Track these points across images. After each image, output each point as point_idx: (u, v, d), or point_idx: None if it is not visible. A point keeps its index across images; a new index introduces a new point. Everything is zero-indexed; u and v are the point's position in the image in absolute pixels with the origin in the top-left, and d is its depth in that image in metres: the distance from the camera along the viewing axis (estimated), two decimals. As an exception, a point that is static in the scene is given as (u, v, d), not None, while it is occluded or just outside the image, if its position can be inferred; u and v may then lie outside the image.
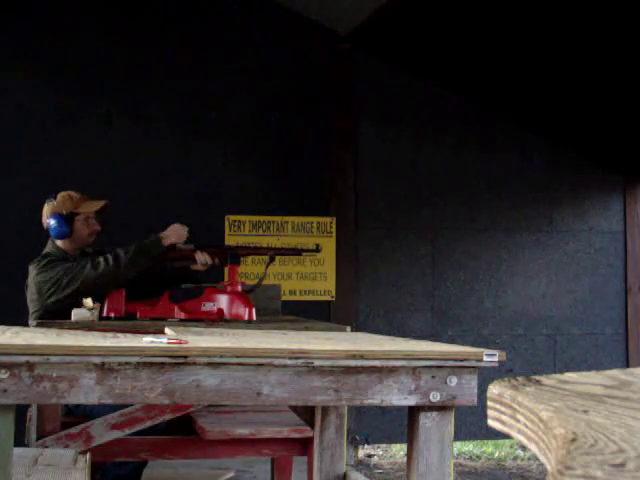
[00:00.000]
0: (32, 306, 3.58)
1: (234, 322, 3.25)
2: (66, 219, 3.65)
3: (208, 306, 3.36)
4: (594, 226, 5.96)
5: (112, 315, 3.39)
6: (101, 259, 3.44)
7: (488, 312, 5.72)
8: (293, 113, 5.47)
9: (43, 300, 3.51)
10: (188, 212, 5.21)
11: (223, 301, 3.35)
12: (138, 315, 3.42)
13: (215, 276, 4.05)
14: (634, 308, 5.91)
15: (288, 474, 3.53)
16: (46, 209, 3.71)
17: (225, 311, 3.34)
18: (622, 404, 0.64)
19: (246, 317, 3.29)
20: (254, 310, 3.32)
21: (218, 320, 3.29)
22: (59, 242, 3.70)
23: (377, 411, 5.39)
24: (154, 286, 3.57)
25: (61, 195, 3.72)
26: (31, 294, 3.57)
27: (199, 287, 3.48)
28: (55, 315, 3.45)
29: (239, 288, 3.39)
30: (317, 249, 3.66)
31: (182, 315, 3.36)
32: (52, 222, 3.64)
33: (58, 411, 3.05)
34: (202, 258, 3.51)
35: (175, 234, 3.58)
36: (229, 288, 3.38)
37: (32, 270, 3.56)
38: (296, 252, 4.06)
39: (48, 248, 3.71)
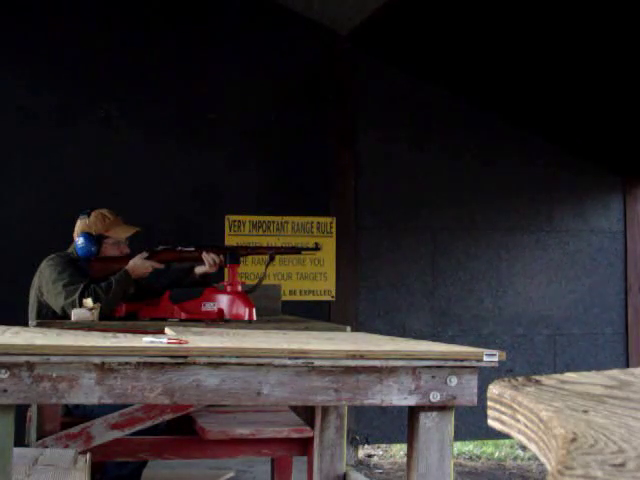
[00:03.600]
0: (31, 299, 3.60)
1: (234, 322, 3.25)
2: (95, 239, 3.61)
3: (208, 306, 3.36)
4: (594, 226, 5.96)
5: (112, 315, 3.39)
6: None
7: (488, 312, 5.72)
8: (293, 113, 5.47)
9: (39, 295, 3.54)
10: (188, 212, 5.22)
11: (223, 301, 3.35)
12: (139, 315, 3.42)
13: (215, 276, 4.04)
14: (634, 308, 5.91)
15: (288, 474, 3.53)
16: (78, 225, 3.68)
17: (225, 311, 3.34)
18: (622, 404, 0.64)
19: (246, 317, 3.29)
20: (254, 310, 3.32)
21: (218, 320, 3.29)
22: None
23: (377, 411, 5.39)
24: (157, 287, 3.57)
25: (94, 214, 3.67)
26: (38, 282, 3.57)
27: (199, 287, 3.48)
28: (54, 314, 3.46)
29: (239, 288, 3.39)
30: (316, 247, 3.66)
31: (182, 315, 3.36)
32: (80, 240, 3.60)
33: (58, 411, 3.05)
34: (209, 258, 3.49)
35: (134, 272, 3.51)
36: (229, 288, 3.38)
37: (44, 264, 3.57)
38: (296, 251, 4.06)
39: (71, 249, 3.69)
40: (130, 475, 3.51)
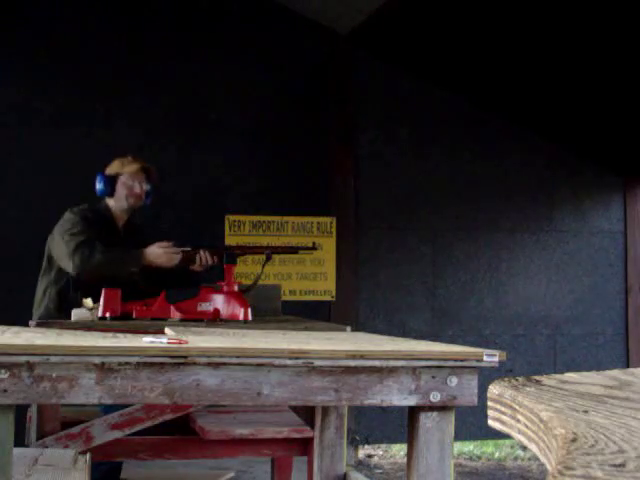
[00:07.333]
0: (46, 253, 3.75)
1: (230, 322, 3.24)
2: (109, 179, 3.85)
3: (204, 306, 3.35)
4: (594, 226, 5.95)
5: (107, 315, 3.37)
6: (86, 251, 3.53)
7: (488, 312, 5.72)
8: (293, 113, 5.47)
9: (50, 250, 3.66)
10: (188, 212, 5.22)
11: (219, 301, 3.34)
12: (134, 315, 3.40)
13: (215, 277, 4.04)
14: (634, 308, 5.91)
15: (288, 474, 3.53)
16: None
17: (221, 311, 3.33)
18: (622, 404, 0.64)
19: (242, 317, 3.28)
20: (250, 310, 3.30)
21: (218, 320, 3.29)
22: (108, 201, 3.88)
23: (377, 411, 5.38)
24: (152, 286, 3.57)
25: (117, 159, 3.93)
26: (52, 242, 3.70)
27: (195, 287, 3.47)
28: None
29: (235, 288, 3.38)
30: (313, 247, 3.66)
31: (178, 315, 3.35)
32: (97, 181, 3.87)
33: (58, 411, 3.05)
34: (203, 258, 3.50)
35: (158, 259, 3.59)
36: (225, 288, 3.37)
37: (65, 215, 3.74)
38: (292, 250, 4.06)
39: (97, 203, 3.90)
40: (102, 478, 3.48)
